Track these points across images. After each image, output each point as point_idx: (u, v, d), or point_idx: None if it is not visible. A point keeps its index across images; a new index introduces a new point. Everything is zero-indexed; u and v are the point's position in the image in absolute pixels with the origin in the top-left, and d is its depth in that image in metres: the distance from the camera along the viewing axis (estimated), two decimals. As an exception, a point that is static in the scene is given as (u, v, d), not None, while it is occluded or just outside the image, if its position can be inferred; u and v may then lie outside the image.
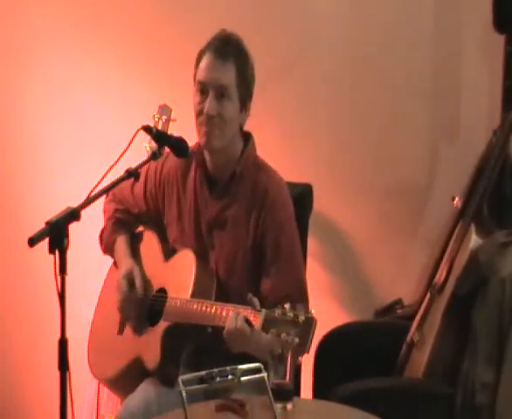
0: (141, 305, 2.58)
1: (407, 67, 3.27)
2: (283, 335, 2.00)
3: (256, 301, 2.19)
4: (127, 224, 2.75)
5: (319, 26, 3.28)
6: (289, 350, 2.01)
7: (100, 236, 2.78)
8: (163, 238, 2.69)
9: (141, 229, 2.81)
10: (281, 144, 3.10)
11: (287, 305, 2.06)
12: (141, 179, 2.65)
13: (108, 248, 2.75)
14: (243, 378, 2.01)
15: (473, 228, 2.66)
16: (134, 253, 2.68)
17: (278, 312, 2.05)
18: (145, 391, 2.49)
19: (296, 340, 1.99)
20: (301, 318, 2.02)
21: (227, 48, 2.47)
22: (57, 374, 1.97)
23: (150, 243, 2.70)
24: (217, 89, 2.45)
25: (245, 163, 2.55)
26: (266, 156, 2.63)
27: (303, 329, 2.01)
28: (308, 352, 2.05)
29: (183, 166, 2.62)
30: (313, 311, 2.05)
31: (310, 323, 2.02)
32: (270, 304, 2.19)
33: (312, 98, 3.31)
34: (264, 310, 2.11)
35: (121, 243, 2.70)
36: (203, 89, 2.47)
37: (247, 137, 2.59)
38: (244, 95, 2.48)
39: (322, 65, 3.30)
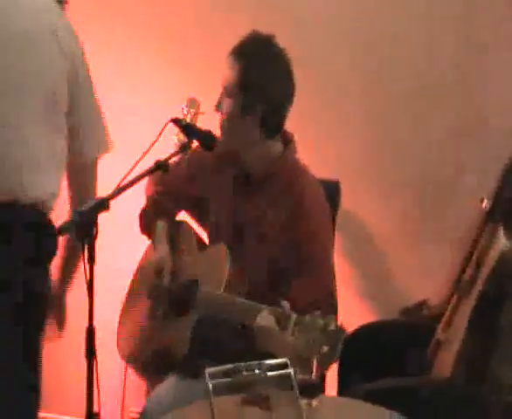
0: (169, 295, 2.58)
1: (430, 64, 3.25)
2: (311, 341, 1.98)
3: (287, 304, 2.17)
4: (166, 209, 2.75)
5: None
6: (316, 356, 1.98)
7: (141, 215, 2.79)
8: (203, 225, 2.70)
9: (179, 217, 2.81)
10: (307, 141, 3.08)
11: (317, 313, 2.03)
12: (184, 164, 2.66)
13: (146, 229, 2.76)
14: (269, 373, 2.01)
15: (501, 230, 2.64)
16: (171, 240, 2.68)
17: (308, 317, 2.01)
18: (172, 383, 2.49)
19: (325, 347, 1.96)
20: (331, 327, 1.96)
21: (239, 49, 2.49)
22: (84, 361, 1.99)
23: (187, 232, 2.71)
24: (223, 88, 2.50)
25: (283, 165, 2.54)
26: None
27: (332, 338, 1.96)
28: (336, 362, 2.01)
29: (223, 160, 2.62)
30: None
31: (340, 333, 1.97)
32: (298, 309, 2.14)
33: (337, 95, 3.31)
34: (294, 314, 2.08)
35: (160, 227, 2.71)
36: None
37: (288, 140, 2.58)
38: (248, 97, 2.46)
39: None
